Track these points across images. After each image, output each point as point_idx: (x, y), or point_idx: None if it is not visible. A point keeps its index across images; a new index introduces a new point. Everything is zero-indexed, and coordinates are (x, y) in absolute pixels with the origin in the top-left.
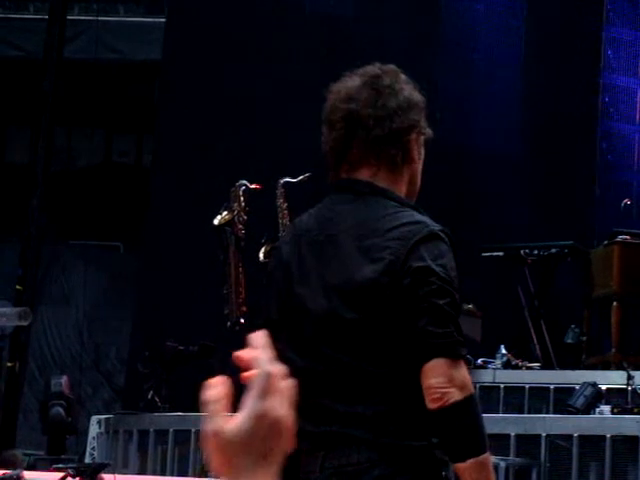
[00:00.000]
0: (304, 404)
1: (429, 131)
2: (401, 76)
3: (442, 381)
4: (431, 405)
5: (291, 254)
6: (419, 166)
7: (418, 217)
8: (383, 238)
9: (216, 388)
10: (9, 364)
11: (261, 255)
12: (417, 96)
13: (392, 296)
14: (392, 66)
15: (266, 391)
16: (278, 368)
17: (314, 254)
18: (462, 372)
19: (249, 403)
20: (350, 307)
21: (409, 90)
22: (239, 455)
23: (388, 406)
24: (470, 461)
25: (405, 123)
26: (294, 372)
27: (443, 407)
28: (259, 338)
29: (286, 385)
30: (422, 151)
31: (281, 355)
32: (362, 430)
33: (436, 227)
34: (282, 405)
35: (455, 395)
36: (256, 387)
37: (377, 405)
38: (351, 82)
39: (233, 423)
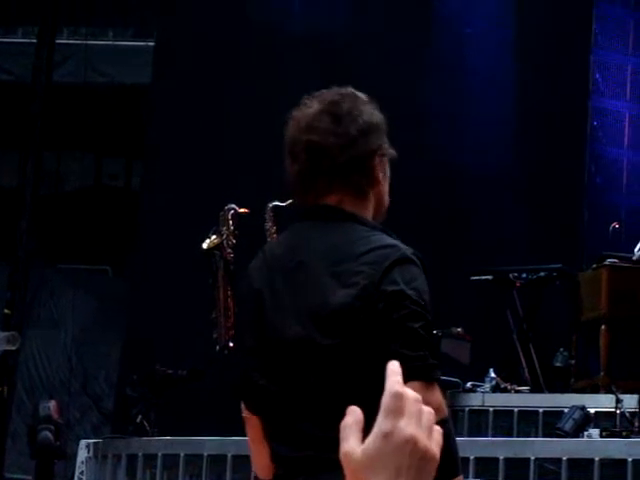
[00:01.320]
0: (281, 429)
1: (392, 152)
2: (360, 98)
3: None
4: None
5: (262, 281)
6: (385, 187)
7: (389, 241)
8: (356, 263)
9: (353, 414)
10: None
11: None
12: (377, 117)
13: (366, 320)
14: (350, 89)
15: (395, 411)
16: (408, 391)
17: (286, 281)
18: (437, 395)
19: (377, 422)
20: (325, 333)
21: (369, 112)
22: (369, 475)
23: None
24: None
25: (367, 148)
26: (270, 398)
27: None
28: (393, 366)
29: (418, 407)
30: (387, 170)
31: (257, 382)
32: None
33: (408, 250)
34: (411, 425)
35: None
36: (384, 407)
37: None
38: (310, 110)
39: (363, 444)
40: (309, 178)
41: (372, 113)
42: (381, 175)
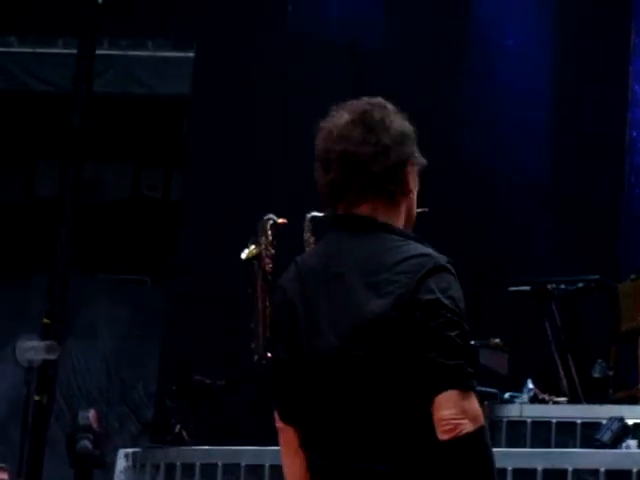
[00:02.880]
0: (317, 439)
1: (422, 160)
2: (389, 108)
3: (454, 412)
4: (443, 436)
5: (296, 292)
6: (415, 196)
7: (423, 250)
8: (390, 273)
9: None
10: (37, 397)
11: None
12: (408, 126)
13: (402, 330)
14: (379, 99)
15: None
16: None
17: (320, 292)
18: (474, 403)
19: None
20: (360, 344)
21: (399, 122)
22: None
23: (401, 439)
24: None
25: (401, 157)
26: (305, 408)
27: (455, 438)
28: None
29: None
30: (417, 180)
31: (291, 392)
32: (377, 463)
33: (442, 259)
34: None
35: (467, 426)
36: None
37: (390, 438)
38: (341, 119)
39: None
40: (343, 188)
41: (402, 123)
42: (413, 185)
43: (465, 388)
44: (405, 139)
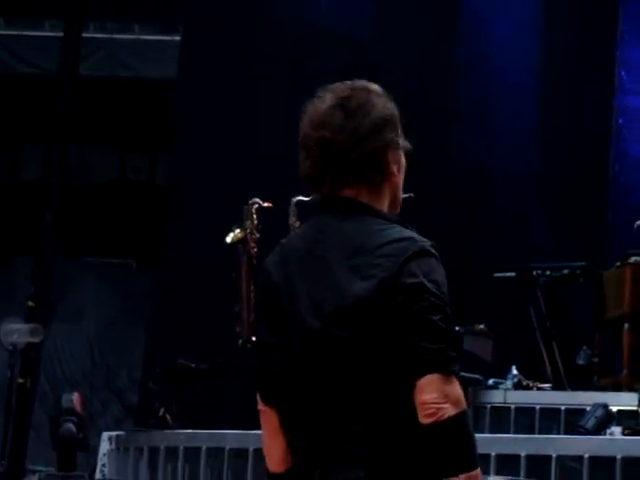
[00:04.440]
0: (298, 421)
1: (406, 144)
2: (373, 92)
3: (436, 396)
4: (425, 420)
5: (280, 275)
6: (399, 179)
7: (407, 233)
8: (373, 255)
9: None
10: (20, 380)
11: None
12: (390, 110)
13: (384, 313)
14: (362, 82)
15: None
16: None
17: (303, 274)
18: (456, 388)
19: None
20: (342, 325)
21: (381, 105)
22: None
23: (382, 422)
24: (462, 476)
25: (379, 143)
26: (287, 390)
27: (437, 422)
28: None
29: None
30: (402, 162)
31: (273, 374)
32: (358, 446)
33: (426, 243)
34: None
35: (449, 410)
36: None
37: (371, 421)
38: (322, 104)
39: None
40: (322, 173)
41: (385, 106)
42: (395, 168)
43: (447, 372)
44: (386, 124)
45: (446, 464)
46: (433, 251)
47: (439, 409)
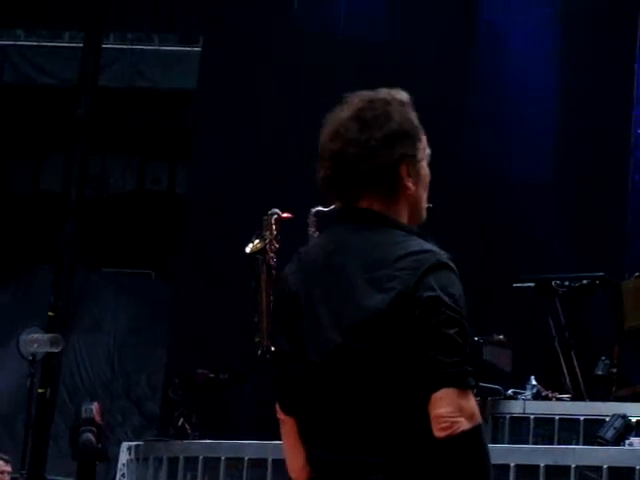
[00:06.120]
0: (316, 432)
1: (424, 155)
2: (393, 103)
3: (451, 410)
4: (439, 434)
5: (298, 285)
6: (419, 191)
7: (425, 246)
8: (391, 268)
9: None
10: (40, 390)
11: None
12: (408, 122)
13: (401, 326)
14: (385, 91)
15: None
16: None
17: (321, 285)
18: (471, 402)
19: None
20: (360, 338)
21: (399, 117)
22: None
23: (399, 433)
24: None
25: (392, 157)
26: (305, 400)
27: (451, 436)
28: None
29: None
30: (423, 174)
31: (293, 384)
32: (375, 456)
33: (444, 256)
34: None
35: (464, 424)
36: None
37: (388, 432)
38: (341, 114)
39: None
40: (336, 184)
41: (403, 118)
42: (411, 181)
43: (463, 386)
44: (401, 137)
45: (460, 478)
46: (451, 264)
47: (453, 423)
